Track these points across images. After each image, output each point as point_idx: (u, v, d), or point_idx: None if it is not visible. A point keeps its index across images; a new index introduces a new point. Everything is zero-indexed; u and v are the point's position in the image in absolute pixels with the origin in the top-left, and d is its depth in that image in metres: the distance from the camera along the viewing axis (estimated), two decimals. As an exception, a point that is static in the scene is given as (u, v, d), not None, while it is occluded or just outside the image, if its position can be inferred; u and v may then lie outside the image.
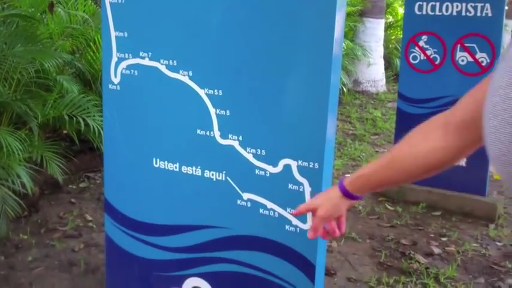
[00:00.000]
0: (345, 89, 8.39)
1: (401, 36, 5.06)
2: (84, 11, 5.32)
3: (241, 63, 1.80)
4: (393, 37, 10.68)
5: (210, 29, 1.83)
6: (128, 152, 2.10)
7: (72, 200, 4.34)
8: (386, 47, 9.94)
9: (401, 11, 10.20)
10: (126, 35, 2.00)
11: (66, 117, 4.33)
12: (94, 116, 4.44)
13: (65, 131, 4.92)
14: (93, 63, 5.20)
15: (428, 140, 1.19)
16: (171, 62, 1.93)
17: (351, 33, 9.08)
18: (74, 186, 4.63)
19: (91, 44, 5.21)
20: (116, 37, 2.02)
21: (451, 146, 1.15)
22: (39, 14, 4.67)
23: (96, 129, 4.36)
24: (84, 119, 4.35)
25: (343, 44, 6.05)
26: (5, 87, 4.14)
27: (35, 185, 4.11)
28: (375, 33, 9.10)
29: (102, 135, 4.35)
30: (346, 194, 1.40)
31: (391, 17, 11.01)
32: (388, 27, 10.67)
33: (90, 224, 3.90)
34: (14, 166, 3.78)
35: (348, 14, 8.49)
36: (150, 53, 1.96)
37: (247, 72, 1.80)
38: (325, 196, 1.46)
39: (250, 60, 1.78)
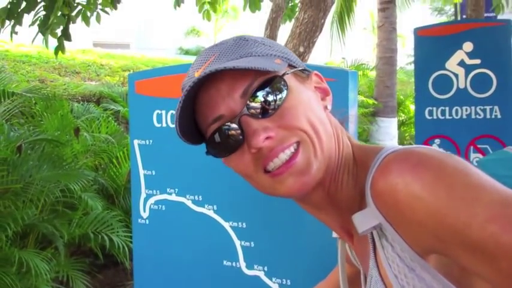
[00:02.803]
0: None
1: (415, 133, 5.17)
2: (107, 130, 5.55)
3: (263, 198, 1.90)
4: (407, 134, 10.86)
5: (233, 166, 1.95)
6: (158, 282, 2.18)
7: (98, 318, 4.37)
8: (400, 144, 10.10)
9: (413, 108, 10.43)
10: (153, 173, 2.14)
11: (91, 235, 4.44)
12: (118, 232, 4.54)
13: (88, 245, 5.01)
14: (115, 178, 5.36)
15: None
16: (196, 197, 2.04)
17: (365, 134, 9.29)
18: (99, 304, 4.66)
19: (113, 160, 5.39)
20: (144, 175, 2.16)
21: None
22: (66, 136, 4.89)
23: (120, 244, 4.44)
24: (108, 235, 4.45)
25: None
26: (32, 209, 4.27)
27: (61, 304, 4.16)
28: (388, 132, 9.29)
29: (126, 250, 4.45)
30: None
31: (403, 115, 11.22)
32: (401, 124, 10.87)
33: None
34: (41, 287, 3.85)
35: (362, 115, 8.73)
36: (176, 189, 2.09)
37: (270, 205, 1.90)
38: None
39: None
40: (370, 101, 9.16)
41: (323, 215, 1.02)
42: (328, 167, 0.90)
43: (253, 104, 0.87)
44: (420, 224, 0.76)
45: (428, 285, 0.80)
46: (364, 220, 0.85)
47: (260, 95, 0.87)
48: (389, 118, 9.28)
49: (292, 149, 0.87)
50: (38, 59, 9.51)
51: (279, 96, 0.87)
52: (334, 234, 1.15)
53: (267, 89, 0.87)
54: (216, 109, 0.89)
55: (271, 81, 0.88)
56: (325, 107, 0.96)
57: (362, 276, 1.07)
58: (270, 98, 0.87)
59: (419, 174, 0.76)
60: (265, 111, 0.87)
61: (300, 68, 0.96)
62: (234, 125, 0.88)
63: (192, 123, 0.94)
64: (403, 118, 11.14)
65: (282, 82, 0.88)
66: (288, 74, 0.91)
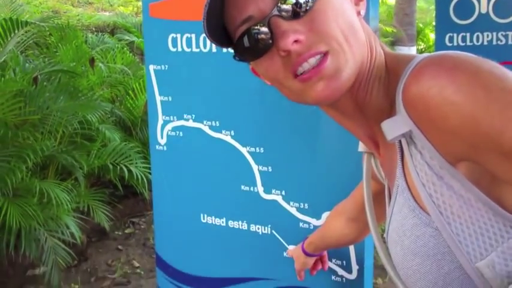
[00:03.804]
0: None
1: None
2: (122, 61, 5.51)
3: (281, 122, 1.88)
4: (426, 63, 10.62)
5: (250, 91, 1.92)
6: (177, 208, 2.19)
7: (119, 246, 4.47)
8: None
9: (432, 36, 10.20)
10: (170, 99, 2.11)
11: (110, 166, 4.48)
12: (136, 163, 4.58)
13: (108, 176, 5.07)
14: (132, 110, 5.36)
15: (336, 228, 1.53)
16: (213, 123, 2.02)
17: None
18: (120, 233, 4.76)
19: (130, 92, 5.37)
20: (161, 101, 2.13)
21: (352, 231, 1.48)
22: (81, 67, 4.86)
23: (139, 175, 4.48)
24: (127, 166, 4.49)
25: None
26: (51, 140, 4.30)
27: (83, 233, 4.24)
28: (406, 61, 9.12)
29: (144, 180, 4.50)
30: (308, 254, 1.69)
31: (422, 44, 10.99)
32: (420, 53, 10.62)
33: (138, 270, 4.01)
34: (62, 217, 3.93)
35: (379, 44, 8.57)
36: (193, 115, 2.06)
37: (287, 130, 1.88)
38: (296, 253, 1.74)
39: (289, 119, 1.87)
40: (389, 29, 8.97)
41: (350, 122, 0.99)
42: (359, 73, 0.87)
43: (283, 5, 0.83)
44: (452, 129, 0.73)
45: (456, 193, 0.78)
46: (394, 127, 0.83)
47: None
48: (408, 47, 9.09)
49: (322, 55, 0.83)
50: (51, -10, 9.39)
51: None
52: (360, 148, 1.13)
53: None
54: (244, 10, 0.85)
55: None
56: (359, 12, 0.91)
57: (386, 191, 1.06)
58: None
59: (453, 78, 0.73)
60: (296, 13, 0.83)
61: None
62: (263, 26, 0.84)
63: (221, 26, 0.90)
64: (422, 47, 10.93)
65: None
66: None
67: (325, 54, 0.82)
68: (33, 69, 4.39)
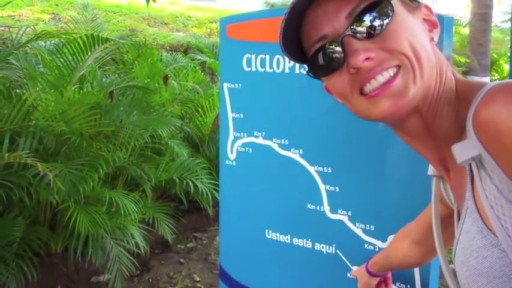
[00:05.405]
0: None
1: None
2: (194, 80, 5.65)
3: (350, 143, 1.91)
4: (499, 95, 10.33)
5: (320, 111, 1.96)
6: (242, 223, 2.24)
7: (181, 260, 4.54)
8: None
9: (507, 67, 9.95)
10: (241, 116, 2.18)
11: (177, 180, 4.58)
12: (202, 178, 4.66)
13: (173, 190, 5.17)
14: (200, 127, 5.46)
15: (400, 250, 1.53)
16: (283, 141, 2.07)
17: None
18: (182, 246, 4.84)
19: (199, 109, 5.49)
20: (233, 118, 2.20)
21: (416, 254, 1.48)
22: (155, 84, 5.01)
23: (204, 191, 4.56)
24: (193, 181, 4.58)
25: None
26: (122, 152, 4.44)
27: (147, 244, 4.34)
28: (479, 91, 8.92)
29: (209, 196, 4.57)
30: (371, 274, 1.69)
31: (496, 74, 10.73)
32: (493, 83, 10.38)
33: (198, 284, 4.07)
34: (128, 227, 4.04)
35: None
36: (263, 133, 2.12)
37: (356, 151, 1.90)
38: (360, 272, 1.75)
39: (358, 140, 1.89)
40: (462, 59, 8.81)
41: (419, 145, 1.01)
42: (427, 95, 0.90)
43: (357, 26, 0.88)
44: None
45: None
46: (464, 151, 0.85)
47: (365, 17, 0.88)
48: (481, 77, 8.90)
49: (391, 72, 0.87)
50: (128, 10, 9.75)
51: (385, 21, 0.88)
52: (430, 171, 1.15)
53: (373, 13, 0.88)
54: (320, 29, 0.91)
55: (378, 5, 0.88)
56: (432, 39, 0.95)
57: (455, 214, 1.07)
58: (375, 21, 0.87)
59: None
60: (369, 33, 0.88)
61: None
62: (336, 44, 0.89)
63: (296, 43, 0.96)
64: (496, 78, 10.66)
65: (389, 7, 0.88)
66: None
67: (396, 72, 0.86)
68: (110, 84, 4.54)
